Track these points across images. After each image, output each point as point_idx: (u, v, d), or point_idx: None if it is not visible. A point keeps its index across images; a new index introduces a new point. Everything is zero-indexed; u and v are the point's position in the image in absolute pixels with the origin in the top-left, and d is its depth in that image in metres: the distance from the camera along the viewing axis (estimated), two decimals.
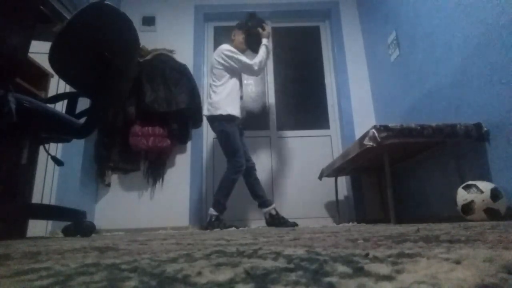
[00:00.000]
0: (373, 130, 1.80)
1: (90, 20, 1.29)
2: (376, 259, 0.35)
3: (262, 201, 2.47)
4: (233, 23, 2.82)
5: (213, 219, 2.34)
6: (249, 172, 2.52)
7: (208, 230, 2.13)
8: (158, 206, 2.93)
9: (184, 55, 3.20)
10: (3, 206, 1.45)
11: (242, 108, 2.60)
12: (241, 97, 2.63)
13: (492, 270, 0.27)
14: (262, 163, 3.09)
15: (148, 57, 3.01)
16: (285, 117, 3.34)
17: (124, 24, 1.46)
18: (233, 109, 2.45)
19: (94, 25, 1.31)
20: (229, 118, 2.42)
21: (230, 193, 2.39)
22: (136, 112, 2.84)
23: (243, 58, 2.50)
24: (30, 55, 1.66)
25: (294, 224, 2.39)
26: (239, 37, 2.64)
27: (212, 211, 2.36)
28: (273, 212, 2.43)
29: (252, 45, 2.66)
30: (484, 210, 1.49)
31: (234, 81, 2.53)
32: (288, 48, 3.57)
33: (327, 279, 0.26)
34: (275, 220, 2.40)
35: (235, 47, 2.60)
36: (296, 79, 3.47)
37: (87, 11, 1.26)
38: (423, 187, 2.39)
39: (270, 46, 2.60)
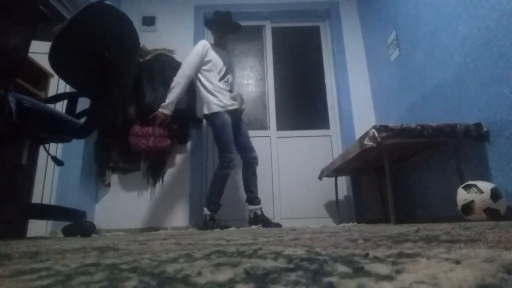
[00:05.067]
0: (373, 130, 1.80)
1: (90, 20, 1.29)
2: (376, 259, 0.35)
3: (252, 198, 2.48)
4: None
5: (207, 219, 2.34)
6: (249, 164, 2.53)
7: (208, 230, 2.13)
8: (158, 206, 2.93)
9: (184, 55, 3.17)
10: (3, 206, 1.45)
11: (233, 98, 2.56)
12: (230, 90, 2.60)
13: (492, 270, 0.27)
14: (262, 163, 3.08)
15: (148, 57, 3.01)
16: (285, 117, 3.34)
17: (124, 24, 1.46)
18: (214, 105, 2.45)
19: (94, 25, 1.31)
20: (213, 115, 2.44)
21: (222, 190, 2.39)
22: (136, 112, 2.84)
23: (185, 63, 2.51)
24: (30, 55, 1.66)
25: (278, 225, 2.43)
26: (215, 33, 2.73)
27: (205, 211, 2.37)
28: (259, 212, 2.45)
29: (227, 35, 2.74)
30: (484, 210, 1.49)
31: (208, 76, 2.52)
32: (288, 48, 3.57)
33: (327, 279, 0.26)
34: (258, 221, 2.41)
35: (218, 41, 2.71)
36: (296, 79, 3.47)
37: (87, 11, 1.26)
38: (423, 187, 2.39)
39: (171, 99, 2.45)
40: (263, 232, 1.32)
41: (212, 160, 3.13)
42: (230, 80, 2.63)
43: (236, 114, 2.54)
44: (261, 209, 2.47)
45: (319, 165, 3.03)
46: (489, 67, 1.71)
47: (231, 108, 2.48)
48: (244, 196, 2.57)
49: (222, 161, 2.38)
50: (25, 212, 1.58)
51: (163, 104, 2.42)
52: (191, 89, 2.86)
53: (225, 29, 2.68)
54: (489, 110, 1.73)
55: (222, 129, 2.40)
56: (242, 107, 2.61)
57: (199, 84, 2.55)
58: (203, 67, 2.52)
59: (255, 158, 2.55)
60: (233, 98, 2.54)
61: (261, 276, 0.29)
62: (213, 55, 2.55)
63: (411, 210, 2.57)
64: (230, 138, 2.41)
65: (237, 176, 2.88)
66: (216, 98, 2.46)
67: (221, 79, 2.54)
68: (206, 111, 2.47)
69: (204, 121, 2.65)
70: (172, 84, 2.45)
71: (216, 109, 2.43)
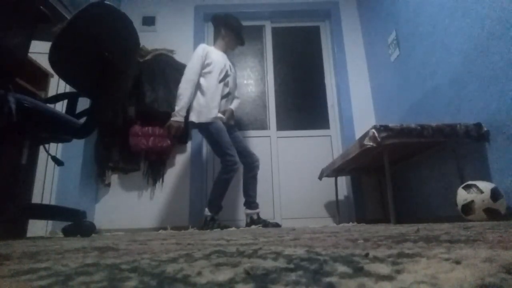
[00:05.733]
0: (373, 130, 1.80)
1: (90, 20, 1.29)
2: (376, 259, 0.35)
3: (249, 202, 2.48)
4: None
5: (208, 219, 2.34)
6: (250, 168, 2.52)
7: (208, 230, 2.13)
8: (158, 206, 2.93)
9: (184, 55, 3.20)
10: (3, 206, 1.45)
11: (223, 112, 2.51)
12: (227, 94, 2.56)
13: (492, 270, 0.27)
14: (262, 163, 3.08)
15: (148, 57, 3.01)
16: (285, 117, 3.34)
17: (124, 24, 1.46)
18: (204, 115, 2.40)
19: (94, 25, 1.31)
20: (205, 123, 2.39)
21: (224, 193, 2.37)
22: (136, 112, 2.84)
23: (187, 69, 2.46)
24: (30, 55, 1.66)
25: (277, 225, 2.44)
26: (229, 37, 2.64)
27: (206, 212, 2.36)
28: (255, 217, 2.45)
29: (234, 44, 2.70)
30: (484, 210, 1.49)
31: (207, 78, 2.48)
32: (288, 48, 3.57)
33: (327, 279, 0.26)
34: (256, 224, 2.42)
35: (225, 44, 2.65)
36: (296, 79, 3.48)
37: (87, 11, 1.26)
38: (423, 187, 2.39)
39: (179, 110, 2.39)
40: (263, 232, 1.32)
41: (212, 160, 3.14)
42: (230, 84, 2.60)
43: (226, 124, 2.50)
44: (258, 213, 2.47)
45: (319, 165, 3.03)
46: (489, 67, 1.71)
47: (220, 119, 2.44)
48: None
49: (226, 165, 2.34)
50: (25, 212, 1.58)
51: (173, 112, 2.38)
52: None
53: (236, 39, 2.65)
54: (489, 110, 1.73)
55: (218, 134, 2.37)
56: (231, 122, 2.58)
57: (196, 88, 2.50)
58: (203, 70, 2.50)
59: (257, 161, 2.54)
60: (223, 113, 2.50)
61: (261, 276, 0.29)
62: (213, 57, 2.53)
63: (411, 210, 2.57)
64: (228, 142, 2.37)
65: (239, 176, 2.88)
66: (207, 107, 2.40)
67: (221, 81, 2.52)
68: (194, 119, 2.41)
69: (198, 131, 2.53)
70: (179, 92, 2.41)
71: (207, 118, 2.39)
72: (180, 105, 2.37)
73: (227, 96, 2.57)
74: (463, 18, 1.91)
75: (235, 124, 2.72)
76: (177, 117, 2.37)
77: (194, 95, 2.48)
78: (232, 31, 2.63)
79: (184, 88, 2.40)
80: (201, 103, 2.43)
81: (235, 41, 2.67)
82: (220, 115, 2.45)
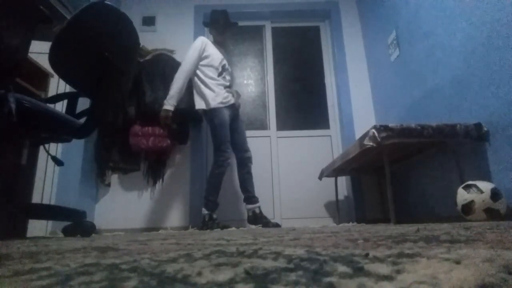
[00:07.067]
0: (373, 130, 1.80)
1: (90, 20, 1.29)
2: (376, 259, 0.35)
3: (249, 197, 2.48)
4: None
5: (206, 219, 2.34)
6: (243, 163, 2.52)
7: (208, 230, 2.13)
8: (158, 206, 2.93)
9: (184, 55, 3.19)
10: (3, 206, 1.45)
11: (231, 95, 2.56)
12: (229, 86, 2.60)
13: (492, 270, 0.27)
14: (262, 163, 3.09)
15: (148, 57, 3.01)
16: (285, 117, 3.34)
17: (124, 24, 1.46)
18: (212, 101, 2.43)
19: (94, 25, 1.31)
20: (212, 111, 2.43)
21: (218, 189, 2.38)
22: (136, 112, 2.84)
23: (184, 60, 2.50)
24: (30, 55, 1.66)
25: (277, 225, 2.42)
26: (215, 29, 2.69)
27: (204, 211, 2.37)
28: (257, 211, 2.45)
29: (225, 32, 2.73)
30: (484, 210, 1.49)
31: (206, 71, 2.51)
32: (288, 48, 3.57)
33: (327, 279, 0.26)
34: (258, 219, 2.42)
35: (215, 35, 2.70)
36: (296, 79, 3.48)
37: (87, 11, 1.26)
38: (423, 187, 2.39)
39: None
40: (263, 232, 1.32)
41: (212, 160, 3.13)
42: (228, 77, 2.63)
43: (233, 110, 2.54)
44: (259, 207, 2.47)
45: (319, 165, 3.03)
46: (489, 67, 1.71)
47: (228, 103, 2.48)
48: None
49: (217, 160, 2.39)
50: (25, 212, 1.58)
51: (164, 100, 2.44)
52: (191, 89, 2.87)
53: (222, 26, 2.68)
54: (489, 110, 1.73)
55: (219, 128, 2.41)
56: (239, 101, 2.61)
57: (196, 80, 2.53)
58: (202, 62, 2.52)
59: (249, 158, 2.55)
60: (230, 93, 2.55)
61: (261, 276, 0.29)
62: (211, 51, 2.56)
63: (411, 210, 2.57)
64: (226, 137, 2.41)
65: (236, 175, 2.87)
66: (213, 93, 2.45)
67: (219, 75, 2.54)
68: (204, 107, 2.46)
69: (204, 117, 2.63)
70: (173, 81, 2.46)
71: (214, 104, 2.42)
72: (171, 94, 2.43)
73: (229, 87, 2.62)
74: (463, 18, 1.91)
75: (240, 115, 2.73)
76: (166, 105, 2.42)
77: (195, 87, 2.53)
78: (215, 22, 2.67)
79: (178, 78, 2.45)
80: (205, 93, 2.47)
81: (220, 32, 2.68)
82: (229, 97, 2.49)
